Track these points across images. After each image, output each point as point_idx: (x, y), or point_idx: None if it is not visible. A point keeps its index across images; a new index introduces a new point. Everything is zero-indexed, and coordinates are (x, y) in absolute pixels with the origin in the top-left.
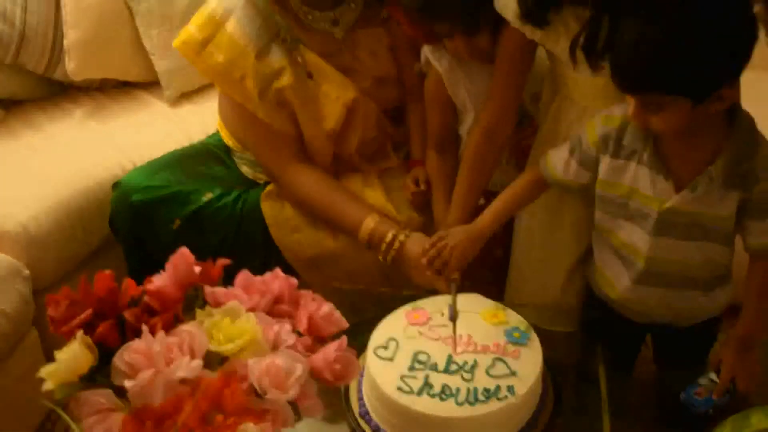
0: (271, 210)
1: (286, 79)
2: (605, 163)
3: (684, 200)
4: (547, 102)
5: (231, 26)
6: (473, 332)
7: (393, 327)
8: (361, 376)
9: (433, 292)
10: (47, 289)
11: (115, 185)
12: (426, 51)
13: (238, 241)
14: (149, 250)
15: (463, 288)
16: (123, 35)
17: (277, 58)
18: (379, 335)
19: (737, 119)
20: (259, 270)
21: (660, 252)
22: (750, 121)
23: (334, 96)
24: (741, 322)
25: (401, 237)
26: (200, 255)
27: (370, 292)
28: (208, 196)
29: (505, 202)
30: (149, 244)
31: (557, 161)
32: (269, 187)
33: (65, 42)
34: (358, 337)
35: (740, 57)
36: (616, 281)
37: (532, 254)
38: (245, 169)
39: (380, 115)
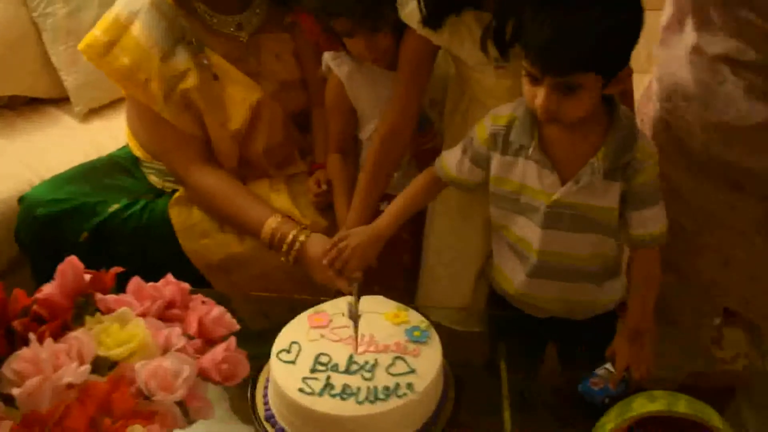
0: (179, 216)
1: (191, 81)
2: (496, 160)
3: (569, 192)
4: (453, 106)
5: (136, 29)
6: (375, 332)
7: (295, 331)
8: (268, 381)
9: (340, 292)
10: None
11: (21, 199)
12: (326, 58)
13: (149, 250)
14: (57, 264)
15: (372, 293)
16: (30, 51)
17: (182, 60)
18: (282, 339)
19: (617, 113)
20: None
21: (550, 245)
22: (629, 115)
23: (240, 98)
24: (629, 312)
25: (302, 237)
26: (108, 267)
27: (281, 299)
28: (114, 207)
29: (404, 203)
30: (57, 257)
31: (451, 161)
32: (178, 194)
33: None
34: (265, 344)
35: (636, 36)
36: (513, 276)
37: (444, 255)
38: (153, 179)
39: (286, 119)
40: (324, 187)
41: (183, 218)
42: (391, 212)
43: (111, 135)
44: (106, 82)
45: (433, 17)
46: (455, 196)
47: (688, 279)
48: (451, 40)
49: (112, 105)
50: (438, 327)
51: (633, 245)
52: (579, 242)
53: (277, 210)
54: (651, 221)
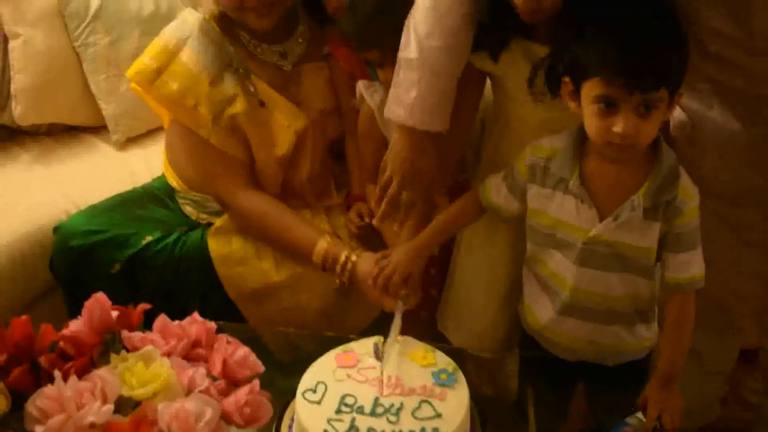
0: (217, 245)
1: (239, 106)
2: (533, 192)
3: (607, 229)
4: (489, 133)
5: (185, 55)
6: (401, 374)
7: (322, 370)
8: (293, 420)
9: (380, 322)
10: None
11: (56, 229)
12: (360, 86)
13: (176, 282)
14: (90, 294)
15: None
16: (70, 80)
17: (230, 85)
18: (308, 378)
19: (660, 149)
20: (199, 312)
21: (584, 283)
22: (672, 155)
23: (286, 124)
24: (661, 358)
25: (353, 257)
26: (139, 298)
27: (307, 334)
28: (147, 239)
29: (445, 221)
30: (89, 288)
31: (492, 185)
32: (217, 223)
33: (12, 87)
34: (294, 376)
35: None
36: (541, 312)
37: (469, 287)
38: (189, 210)
39: (326, 148)
40: (366, 220)
41: (221, 247)
42: (432, 228)
43: (147, 163)
44: (144, 111)
45: (492, 45)
46: (483, 228)
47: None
48: (495, 68)
49: (149, 134)
50: (461, 353)
51: (668, 288)
52: (613, 282)
53: (326, 231)
54: (688, 265)
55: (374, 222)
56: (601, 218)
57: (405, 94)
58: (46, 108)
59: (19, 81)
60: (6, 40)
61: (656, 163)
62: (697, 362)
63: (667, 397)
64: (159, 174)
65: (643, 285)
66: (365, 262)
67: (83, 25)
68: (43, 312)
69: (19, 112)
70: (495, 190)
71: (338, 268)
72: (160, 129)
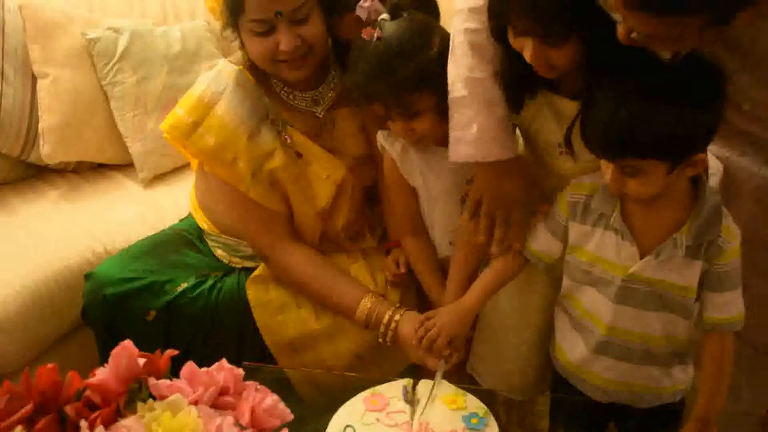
0: (256, 293)
1: (278, 160)
2: (573, 230)
3: (647, 266)
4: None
5: (221, 109)
6: (431, 418)
7: (350, 413)
8: None
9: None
10: (14, 374)
11: (88, 276)
12: (380, 137)
13: (213, 329)
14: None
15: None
16: (98, 118)
17: (268, 139)
18: (336, 423)
19: (702, 189)
20: (234, 359)
21: (621, 321)
22: (715, 193)
23: (324, 175)
24: (699, 400)
25: (396, 317)
26: (175, 344)
27: (338, 376)
28: (182, 286)
29: (490, 280)
30: (124, 335)
31: (530, 235)
32: (257, 272)
33: (40, 126)
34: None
35: (712, 124)
36: (572, 351)
37: (502, 329)
38: (220, 253)
39: (362, 193)
40: (403, 269)
41: (260, 295)
42: (478, 290)
43: (174, 201)
44: (171, 149)
45: (513, 97)
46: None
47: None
48: (519, 119)
49: (175, 171)
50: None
51: (707, 329)
52: (651, 321)
53: (369, 289)
54: (728, 305)
55: (492, 250)
56: (641, 255)
57: (465, 131)
58: (74, 146)
59: (46, 120)
60: (34, 79)
61: (698, 201)
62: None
63: None
64: (185, 212)
65: (680, 325)
66: (408, 322)
67: (111, 63)
68: (70, 351)
69: (47, 150)
70: (533, 238)
71: (382, 327)
72: (186, 166)
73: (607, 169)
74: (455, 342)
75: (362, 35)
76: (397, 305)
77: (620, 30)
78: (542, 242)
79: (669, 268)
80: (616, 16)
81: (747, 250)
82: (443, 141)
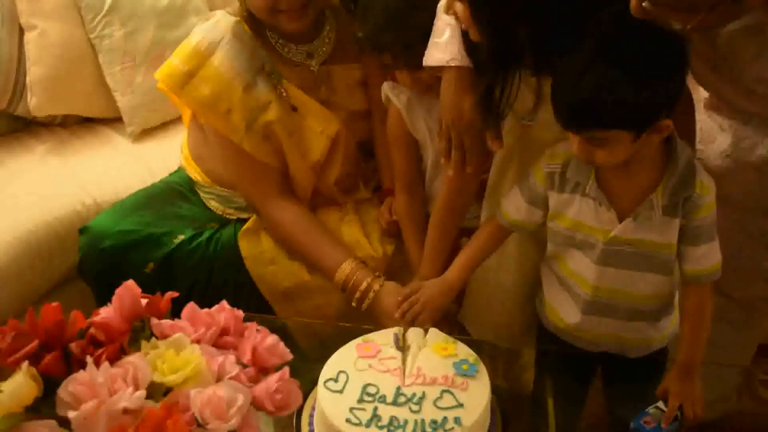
0: (248, 244)
1: (272, 113)
2: (553, 198)
3: (627, 229)
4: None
5: (217, 59)
6: (423, 364)
7: (343, 360)
8: (314, 408)
9: None
10: (6, 324)
11: (84, 230)
12: (385, 88)
13: (211, 281)
14: None
15: None
16: (86, 72)
17: (264, 91)
18: (329, 368)
19: (675, 148)
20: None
21: (606, 282)
22: (687, 151)
23: (319, 129)
24: (681, 349)
25: (375, 287)
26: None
27: (338, 327)
28: (180, 238)
29: (471, 254)
30: None
31: (509, 205)
32: (247, 225)
33: (28, 78)
34: (315, 366)
35: (674, 92)
36: (564, 312)
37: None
38: (214, 204)
39: (356, 148)
40: (396, 217)
41: (252, 246)
42: (461, 264)
43: (162, 156)
44: (159, 103)
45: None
46: None
47: (730, 295)
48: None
49: (163, 126)
50: (481, 344)
51: (686, 281)
52: (635, 280)
53: (349, 247)
54: (706, 257)
55: (450, 171)
56: (620, 218)
57: (439, 38)
58: (62, 99)
59: (34, 72)
60: (22, 32)
61: (671, 160)
62: (716, 355)
63: (688, 387)
64: (174, 167)
65: (663, 281)
66: (390, 294)
67: (99, 17)
68: (61, 302)
69: (35, 103)
70: (514, 208)
71: (358, 293)
72: (175, 121)
73: (574, 141)
74: (437, 316)
75: None
76: (377, 274)
77: (632, 1)
78: (523, 213)
79: (648, 228)
80: None
81: (739, 216)
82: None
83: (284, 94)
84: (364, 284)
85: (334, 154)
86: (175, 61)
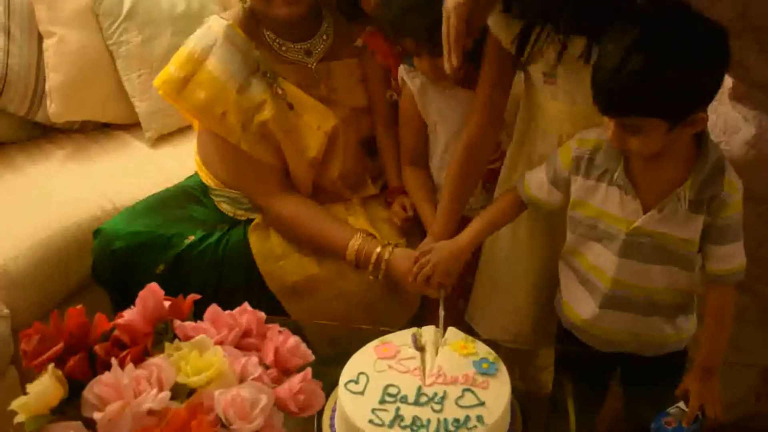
0: (257, 240)
1: (267, 112)
2: (577, 184)
3: (651, 220)
4: (517, 127)
5: (211, 64)
6: (443, 363)
7: (362, 361)
8: (334, 410)
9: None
10: (27, 328)
11: (96, 233)
12: (402, 71)
13: (221, 282)
14: (134, 296)
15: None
16: (104, 78)
17: (258, 91)
18: (349, 370)
19: (706, 144)
20: None
21: (625, 274)
22: (718, 148)
23: (315, 125)
24: (701, 350)
25: (386, 255)
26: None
27: (348, 328)
28: (190, 239)
29: (486, 221)
30: (133, 290)
31: (533, 181)
32: (256, 221)
33: (47, 85)
34: (334, 369)
35: (714, 84)
36: (581, 307)
37: (495, 279)
38: (225, 207)
39: (358, 144)
40: (410, 212)
41: (261, 242)
42: (473, 229)
43: (179, 161)
44: (176, 109)
45: (522, 35)
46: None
47: (754, 293)
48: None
49: (180, 131)
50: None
51: (710, 280)
52: (655, 273)
53: (356, 228)
54: (731, 257)
55: (451, 65)
56: (645, 210)
57: None
58: (80, 105)
59: (53, 79)
60: (41, 39)
61: (701, 156)
62: (737, 355)
63: (709, 387)
64: (191, 171)
65: (683, 276)
66: (401, 259)
67: (116, 23)
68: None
69: (53, 109)
70: (536, 185)
71: (371, 265)
72: (191, 126)
73: (610, 126)
74: (449, 279)
75: None
76: (386, 243)
77: None
78: (545, 192)
79: (672, 222)
80: None
81: (765, 211)
82: (463, 81)
83: (280, 92)
84: (375, 255)
85: (333, 150)
86: (172, 68)
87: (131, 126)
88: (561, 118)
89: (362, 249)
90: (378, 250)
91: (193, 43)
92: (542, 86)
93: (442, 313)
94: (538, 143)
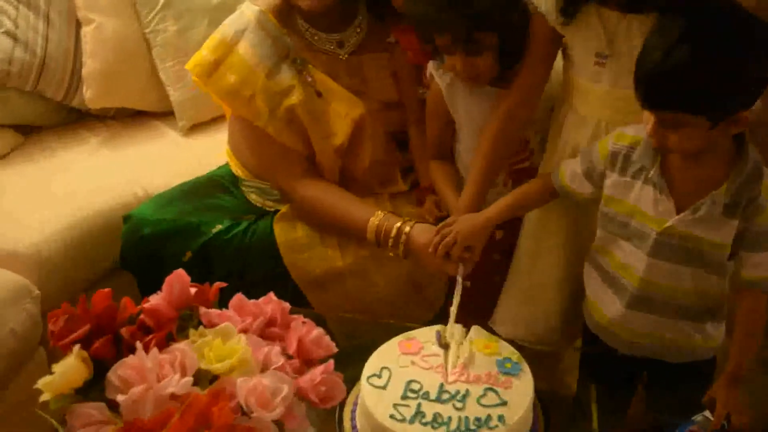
0: (283, 231)
1: (295, 97)
2: (611, 180)
3: (684, 221)
4: (555, 115)
5: (242, 48)
6: (466, 361)
7: (386, 356)
8: (355, 404)
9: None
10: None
11: (126, 218)
12: (431, 66)
13: (246, 271)
14: (161, 282)
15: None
16: (140, 66)
17: (286, 77)
18: (372, 364)
19: (744, 148)
20: None
21: (655, 275)
22: (756, 154)
23: (343, 113)
24: (731, 357)
25: (406, 228)
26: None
27: (371, 322)
28: (217, 228)
29: (514, 200)
30: (160, 276)
31: (567, 170)
32: (282, 210)
33: (84, 71)
34: (353, 363)
35: (760, 84)
36: (607, 307)
37: (522, 279)
38: (254, 197)
39: (387, 137)
40: (444, 212)
41: (287, 232)
42: (499, 205)
43: (211, 150)
44: (209, 99)
45: (566, 6)
46: (539, 220)
47: None
48: (566, 30)
49: (213, 121)
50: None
51: (742, 287)
52: (684, 276)
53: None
54: (765, 264)
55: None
56: (678, 211)
57: None
58: (116, 92)
59: (90, 65)
60: (79, 26)
61: (740, 160)
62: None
63: (736, 396)
64: (223, 161)
65: (713, 281)
66: (422, 232)
67: (154, 12)
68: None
69: (90, 95)
70: (570, 175)
71: (391, 240)
72: (224, 116)
73: (650, 121)
74: (472, 252)
75: None
76: (406, 219)
77: None
78: (577, 182)
79: (705, 225)
80: None
81: None
82: (493, 79)
83: (309, 79)
84: (395, 229)
85: (360, 138)
86: (204, 51)
87: (165, 114)
88: (603, 101)
89: (383, 225)
90: (398, 224)
91: (226, 27)
92: (588, 69)
93: (459, 289)
94: (572, 132)
